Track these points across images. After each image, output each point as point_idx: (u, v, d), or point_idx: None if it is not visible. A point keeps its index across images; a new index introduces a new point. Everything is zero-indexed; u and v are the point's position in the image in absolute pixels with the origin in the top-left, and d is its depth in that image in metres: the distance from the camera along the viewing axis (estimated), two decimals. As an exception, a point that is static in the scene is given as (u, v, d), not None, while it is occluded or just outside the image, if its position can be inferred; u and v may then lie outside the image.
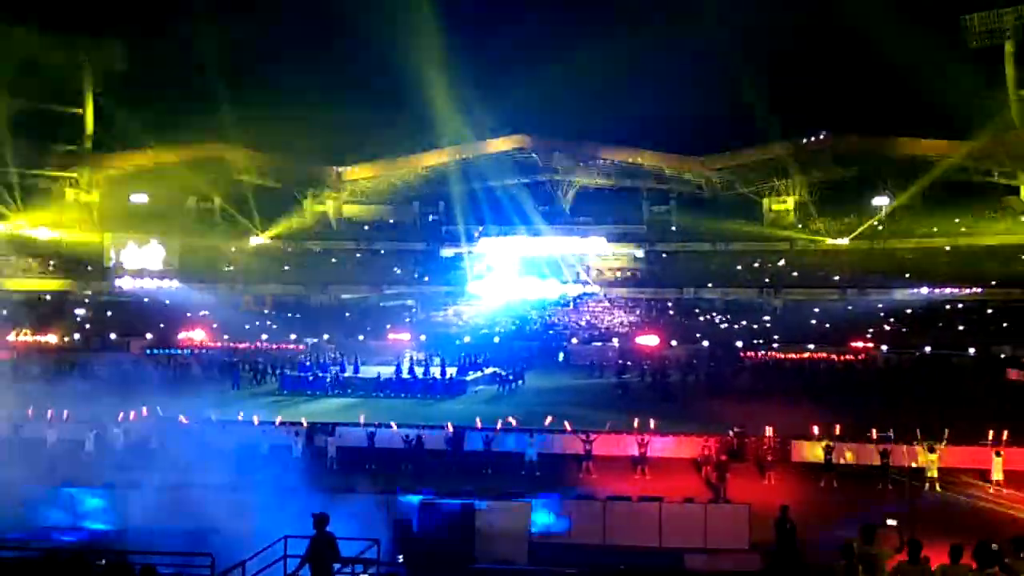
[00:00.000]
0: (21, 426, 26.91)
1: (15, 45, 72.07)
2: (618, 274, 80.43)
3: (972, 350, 56.30)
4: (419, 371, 43.78)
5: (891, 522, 10.60)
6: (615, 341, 64.77)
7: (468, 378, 44.17)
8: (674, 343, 62.42)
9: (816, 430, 24.72)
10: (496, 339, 65.08)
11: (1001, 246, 69.17)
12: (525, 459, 24.11)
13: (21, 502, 18.54)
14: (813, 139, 73.50)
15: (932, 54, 61.91)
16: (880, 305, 66.12)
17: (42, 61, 74.83)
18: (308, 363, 47.90)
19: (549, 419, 27.38)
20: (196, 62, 76.08)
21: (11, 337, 57.53)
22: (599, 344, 64.14)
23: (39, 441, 25.65)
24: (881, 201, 76.16)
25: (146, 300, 72.01)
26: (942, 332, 60.03)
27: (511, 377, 44.84)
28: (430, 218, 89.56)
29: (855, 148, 72.66)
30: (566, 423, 26.64)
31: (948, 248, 71.32)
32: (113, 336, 61.58)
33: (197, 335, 63.86)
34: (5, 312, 61.53)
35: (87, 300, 72.34)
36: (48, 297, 70.28)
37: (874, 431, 24.02)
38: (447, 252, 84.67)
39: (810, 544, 15.55)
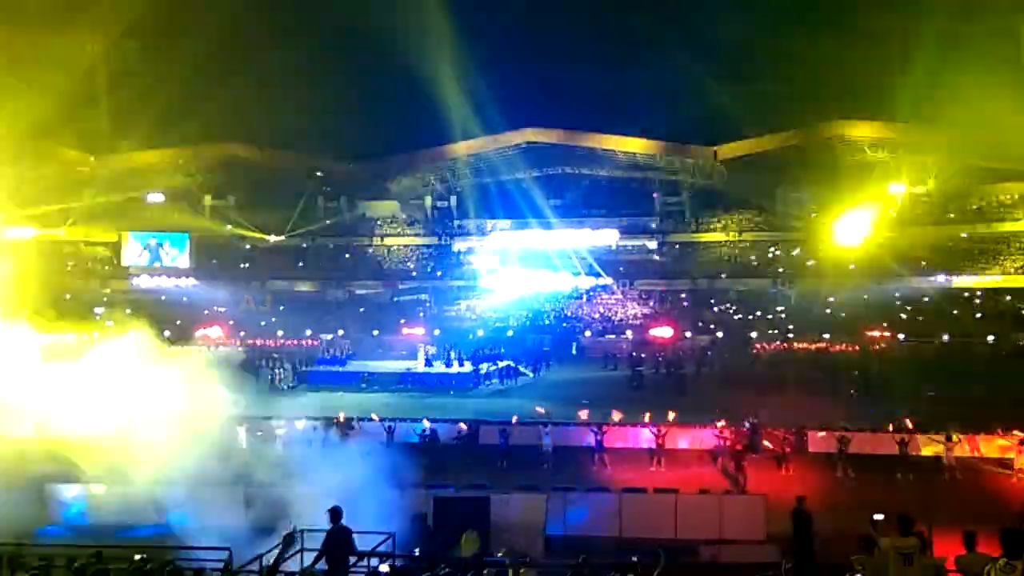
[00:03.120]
0: (44, 424, 27.14)
1: (28, 44, 72.65)
2: (631, 266, 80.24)
3: (991, 338, 55.93)
4: (438, 365, 44.42)
5: (878, 517, 10.48)
6: (629, 333, 64.71)
7: (483, 371, 44.48)
8: (688, 335, 62.30)
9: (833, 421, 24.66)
10: (510, 332, 65.15)
11: (1019, 233, 68.60)
12: (541, 452, 24.23)
13: (47, 499, 18.87)
14: (822, 127, 72.80)
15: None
16: (896, 294, 65.71)
17: (56, 59, 75.31)
18: (327, 357, 48.93)
19: (541, 410, 27.79)
20: (209, 59, 76.29)
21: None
22: (612, 336, 64.07)
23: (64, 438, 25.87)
24: (896, 189, 75.53)
25: (163, 298, 72.50)
26: (960, 320, 59.66)
27: (532, 368, 45.77)
28: (442, 213, 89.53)
29: (866, 135, 72.01)
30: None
31: (966, 235, 70.68)
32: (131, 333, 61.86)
33: (214, 332, 64.15)
34: (23, 310, 61.80)
35: (105, 299, 72.94)
36: (68, 296, 70.87)
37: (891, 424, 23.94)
38: (459, 246, 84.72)
39: (827, 535, 15.53)
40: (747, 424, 25.48)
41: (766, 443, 24.72)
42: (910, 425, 24.06)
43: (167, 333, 61.48)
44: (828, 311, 65.13)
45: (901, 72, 64.55)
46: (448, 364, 45.71)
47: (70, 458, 23.14)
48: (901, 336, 58.34)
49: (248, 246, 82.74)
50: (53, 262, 72.89)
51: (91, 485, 19.73)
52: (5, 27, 66.42)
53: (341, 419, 27.09)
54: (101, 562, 10.66)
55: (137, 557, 10.79)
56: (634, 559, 11.57)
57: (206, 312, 68.33)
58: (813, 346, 57.04)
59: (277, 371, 43.51)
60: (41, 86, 71.29)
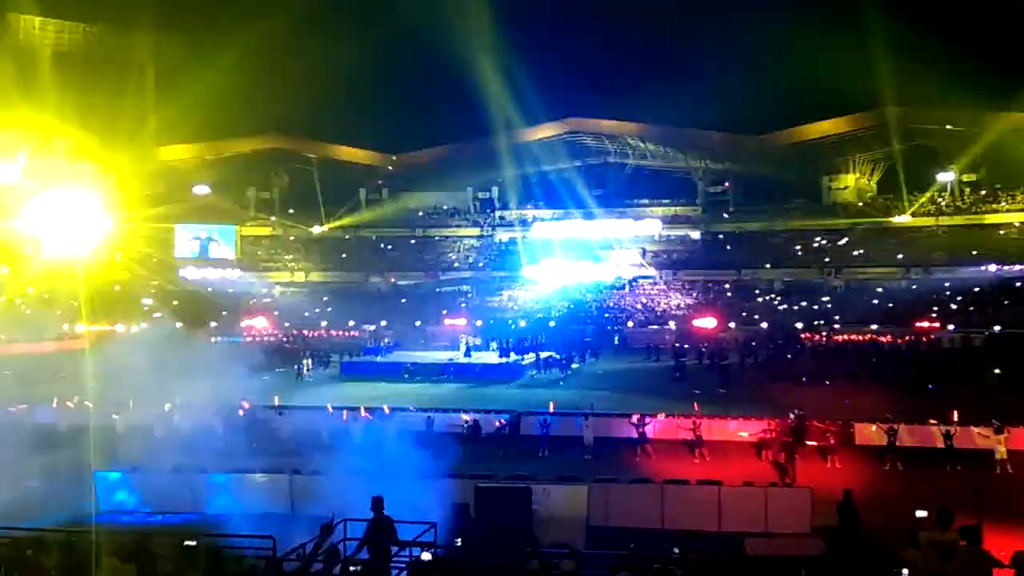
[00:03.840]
0: (90, 413, 27.75)
1: (77, 38, 74.30)
2: (674, 256, 79.62)
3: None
4: (481, 355, 44.74)
5: (921, 513, 10.26)
6: (671, 324, 64.21)
7: (524, 362, 44.56)
8: (732, 325, 61.59)
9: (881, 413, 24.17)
10: (552, 323, 65.04)
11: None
12: (583, 443, 24.17)
13: (92, 486, 19.22)
14: (871, 114, 71.40)
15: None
16: (946, 284, 64.26)
17: (103, 54, 76.81)
18: (373, 346, 49.78)
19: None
20: (251, 53, 77.18)
21: (82, 327, 59.43)
22: (655, 327, 63.65)
23: (108, 427, 26.42)
24: (946, 177, 73.91)
25: (210, 289, 73.69)
26: (1011, 310, 58.13)
27: (574, 359, 45.92)
28: (484, 204, 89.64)
29: (917, 122, 70.53)
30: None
31: (1018, 224, 68.93)
32: (178, 325, 62.99)
33: (259, 323, 65.04)
34: (75, 303, 63.35)
35: (153, 290, 74.32)
36: (117, 287, 72.29)
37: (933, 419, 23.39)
38: (501, 237, 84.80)
39: (874, 528, 15.27)
40: (792, 416, 25.08)
41: (811, 435, 24.33)
42: (956, 417, 23.48)
43: (214, 324, 62.83)
44: (876, 301, 63.94)
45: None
46: (503, 354, 46.05)
47: (116, 445, 23.65)
48: (951, 327, 57.06)
49: (292, 237, 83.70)
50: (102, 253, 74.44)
51: (135, 472, 20.08)
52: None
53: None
54: (147, 548, 10.82)
55: (186, 544, 10.93)
56: (676, 551, 11.45)
57: (252, 302, 69.30)
58: (860, 337, 55.98)
59: (305, 362, 43.73)
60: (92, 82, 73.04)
